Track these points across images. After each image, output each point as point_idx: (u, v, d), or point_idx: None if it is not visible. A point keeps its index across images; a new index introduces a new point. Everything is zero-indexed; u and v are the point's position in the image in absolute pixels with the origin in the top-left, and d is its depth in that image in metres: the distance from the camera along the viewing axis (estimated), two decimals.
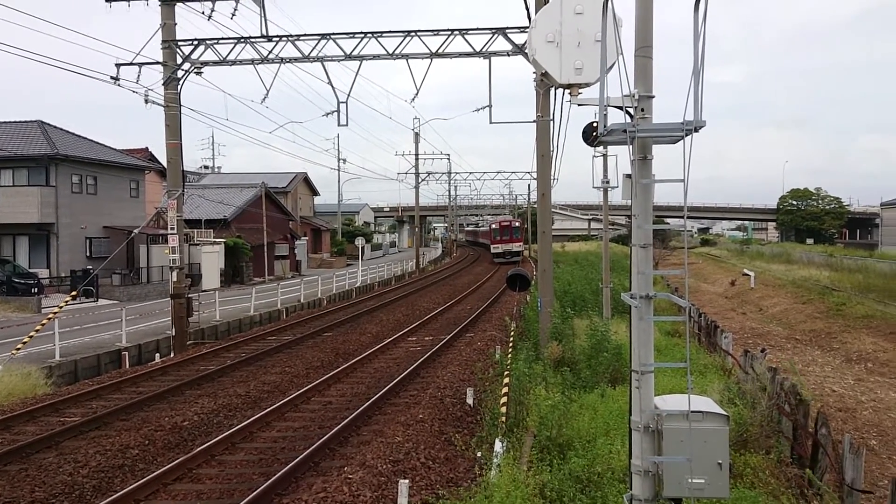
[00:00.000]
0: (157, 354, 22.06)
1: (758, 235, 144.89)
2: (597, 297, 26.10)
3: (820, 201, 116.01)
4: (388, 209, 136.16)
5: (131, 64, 21.53)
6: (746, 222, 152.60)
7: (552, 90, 18.25)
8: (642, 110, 6.65)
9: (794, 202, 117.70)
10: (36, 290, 37.04)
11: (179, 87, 22.23)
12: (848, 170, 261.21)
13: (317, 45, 21.16)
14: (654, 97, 6.81)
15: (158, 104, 22.03)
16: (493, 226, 75.57)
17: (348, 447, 11.67)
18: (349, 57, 21.07)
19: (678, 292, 29.10)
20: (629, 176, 6.95)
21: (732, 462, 7.68)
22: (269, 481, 9.65)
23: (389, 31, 20.79)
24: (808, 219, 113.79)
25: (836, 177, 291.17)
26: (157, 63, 21.92)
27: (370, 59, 21.04)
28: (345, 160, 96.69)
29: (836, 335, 26.55)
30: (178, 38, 22.01)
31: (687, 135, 6.36)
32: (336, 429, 12.24)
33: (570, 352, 16.80)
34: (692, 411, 6.00)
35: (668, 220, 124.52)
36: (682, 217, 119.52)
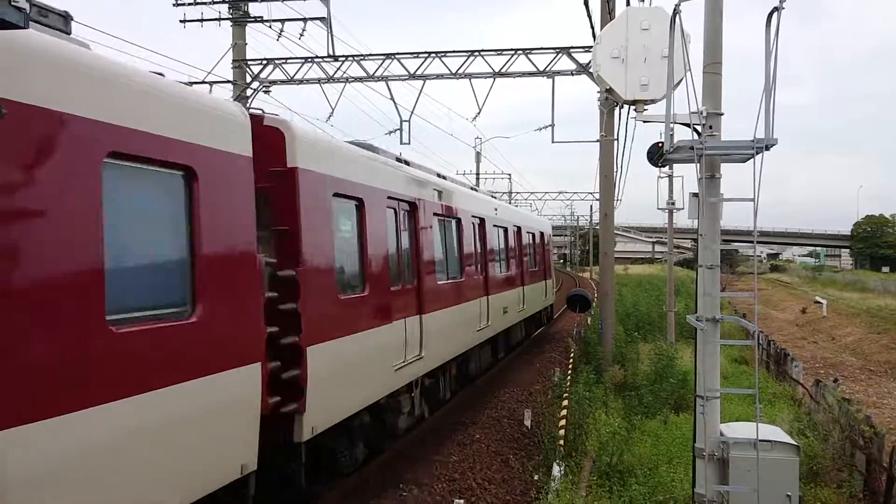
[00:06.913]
0: None
1: (830, 262, 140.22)
2: (661, 321, 25.56)
3: None
4: None
5: (203, 82, 22.08)
6: (819, 248, 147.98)
7: (616, 109, 18.05)
8: (710, 127, 6.47)
9: (870, 229, 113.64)
10: None
11: (248, 105, 22.71)
12: None
13: (381, 64, 21.36)
14: (723, 114, 6.64)
15: None
16: None
17: (403, 464, 11.58)
18: (413, 76, 21.19)
19: (746, 318, 28.29)
20: (696, 195, 6.76)
21: (802, 495, 7.35)
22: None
23: (453, 51, 20.83)
24: (883, 246, 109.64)
25: None
26: (228, 82, 22.43)
27: (434, 78, 21.11)
28: None
29: None
30: (247, 57, 22.52)
31: (758, 153, 6.15)
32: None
33: (633, 376, 16.43)
34: (761, 440, 5.78)
35: (734, 243, 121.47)
36: (749, 242, 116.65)
